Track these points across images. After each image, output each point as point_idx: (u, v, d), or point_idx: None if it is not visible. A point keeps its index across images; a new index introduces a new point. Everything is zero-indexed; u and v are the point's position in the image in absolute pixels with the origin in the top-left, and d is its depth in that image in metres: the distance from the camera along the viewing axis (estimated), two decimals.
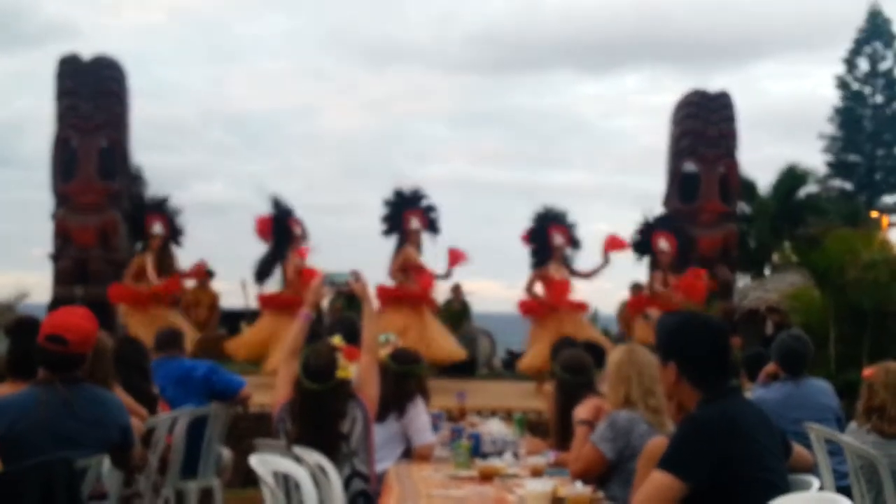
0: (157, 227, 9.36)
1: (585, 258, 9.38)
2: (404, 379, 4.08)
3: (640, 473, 2.60)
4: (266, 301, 9.14)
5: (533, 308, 9.08)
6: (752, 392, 4.58)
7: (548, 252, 9.09)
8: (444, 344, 8.80)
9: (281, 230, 9.15)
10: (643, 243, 9.27)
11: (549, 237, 9.08)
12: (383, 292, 8.90)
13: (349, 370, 3.54)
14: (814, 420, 4.25)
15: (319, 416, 3.46)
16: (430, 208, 9.24)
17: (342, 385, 3.50)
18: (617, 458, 3.11)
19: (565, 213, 9.33)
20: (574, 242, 9.25)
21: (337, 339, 3.69)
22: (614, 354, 3.37)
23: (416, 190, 9.26)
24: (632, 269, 10.22)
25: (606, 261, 9.16)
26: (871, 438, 3.83)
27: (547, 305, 8.98)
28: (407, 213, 9.05)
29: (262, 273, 9.20)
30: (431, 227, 9.20)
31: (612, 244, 9.14)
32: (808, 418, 4.25)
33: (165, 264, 9.57)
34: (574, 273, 9.19)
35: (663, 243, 9.00)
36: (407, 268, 8.98)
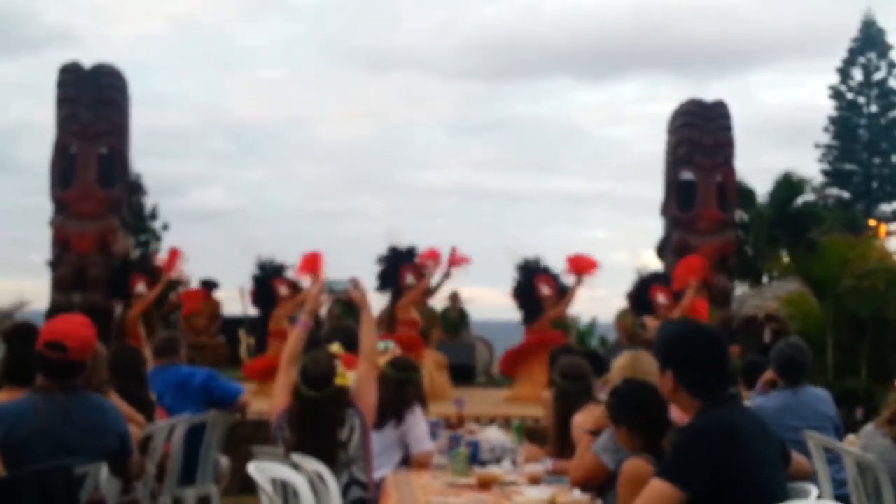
0: (141, 287, 9.35)
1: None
2: (403, 386, 4.09)
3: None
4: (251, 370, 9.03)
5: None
6: (751, 400, 4.58)
7: (538, 306, 9.09)
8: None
9: (265, 293, 9.16)
10: (641, 298, 9.26)
11: (536, 289, 9.08)
12: None
13: (347, 378, 3.55)
14: (812, 428, 4.25)
15: (317, 424, 3.46)
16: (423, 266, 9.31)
17: (340, 393, 3.50)
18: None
19: (544, 262, 9.30)
20: (560, 290, 9.19)
21: (335, 347, 3.69)
22: (619, 361, 3.38)
23: (410, 247, 9.35)
24: (629, 277, 10.20)
25: (579, 282, 9.11)
26: (885, 442, 3.81)
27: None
28: (402, 269, 9.12)
29: (260, 340, 9.24)
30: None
31: (578, 266, 9.07)
32: (806, 427, 4.25)
33: (153, 316, 9.61)
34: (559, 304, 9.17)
35: (662, 298, 9.00)
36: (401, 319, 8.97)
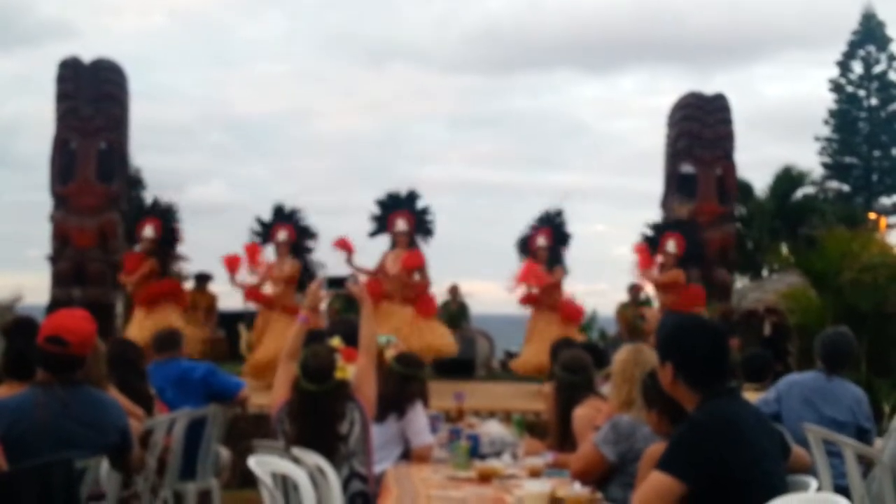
0: (149, 231, 8.84)
1: (582, 257, 9.33)
2: (407, 381, 4.09)
3: (641, 478, 2.61)
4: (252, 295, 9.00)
5: (531, 298, 9.06)
6: (785, 378, 4.64)
7: (528, 253, 9.10)
8: (438, 338, 8.72)
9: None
10: (652, 242, 9.23)
11: (531, 240, 9.08)
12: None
13: (347, 371, 3.57)
14: (832, 419, 4.30)
15: (317, 418, 3.47)
16: (423, 211, 9.19)
17: (340, 386, 3.51)
18: (619, 461, 3.11)
19: (554, 212, 9.22)
20: (560, 239, 9.15)
21: (336, 341, 3.70)
22: (621, 354, 3.38)
23: (410, 192, 9.20)
24: (631, 271, 10.18)
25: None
26: None
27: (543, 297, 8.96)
28: (393, 216, 9.02)
29: None
30: (422, 228, 9.13)
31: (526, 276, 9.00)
32: (829, 413, 4.32)
33: (163, 269, 9.07)
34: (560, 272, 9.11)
35: (671, 245, 8.96)
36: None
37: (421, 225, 9.05)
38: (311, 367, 3.49)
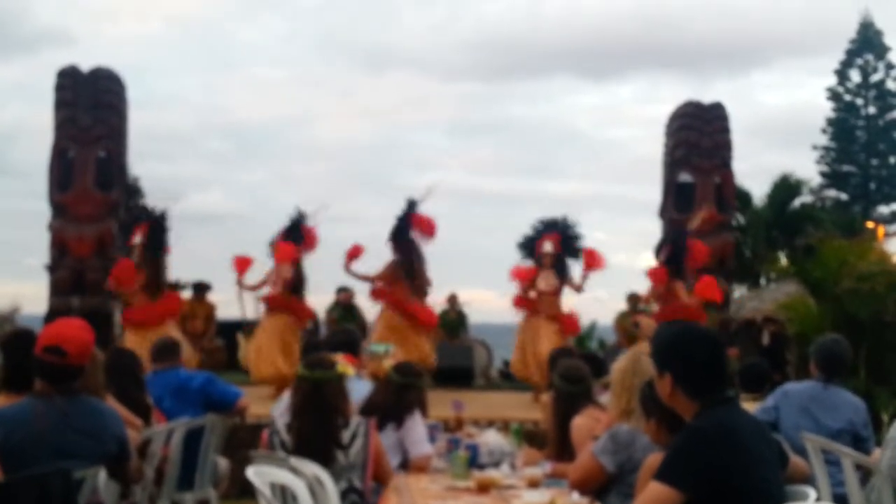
0: (137, 237, 8.75)
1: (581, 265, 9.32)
2: (405, 391, 4.09)
3: (640, 488, 2.61)
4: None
5: (525, 303, 9.08)
6: (783, 386, 4.65)
7: (532, 255, 9.12)
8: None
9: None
10: (676, 257, 9.28)
11: (538, 244, 9.11)
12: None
13: (349, 369, 3.62)
14: (828, 428, 4.29)
15: (317, 415, 3.47)
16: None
17: (340, 378, 3.55)
18: (617, 471, 3.11)
19: (568, 222, 9.29)
20: (570, 251, 9.21)
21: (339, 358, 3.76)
22: (619, 363, 3.38)
23: (418, 199, 9.31)
24: (630, 279, 10.19)
25: (585, 277, 9.12)
26: None
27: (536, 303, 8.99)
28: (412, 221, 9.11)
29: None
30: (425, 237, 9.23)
31: (591, 261, 9.10)
32: (827, 421, 4.32)
33: (155, 276, 8.84)
34: (565, 281, 9.12)
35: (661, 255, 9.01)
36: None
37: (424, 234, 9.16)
38: (312, 359, 3.59)
